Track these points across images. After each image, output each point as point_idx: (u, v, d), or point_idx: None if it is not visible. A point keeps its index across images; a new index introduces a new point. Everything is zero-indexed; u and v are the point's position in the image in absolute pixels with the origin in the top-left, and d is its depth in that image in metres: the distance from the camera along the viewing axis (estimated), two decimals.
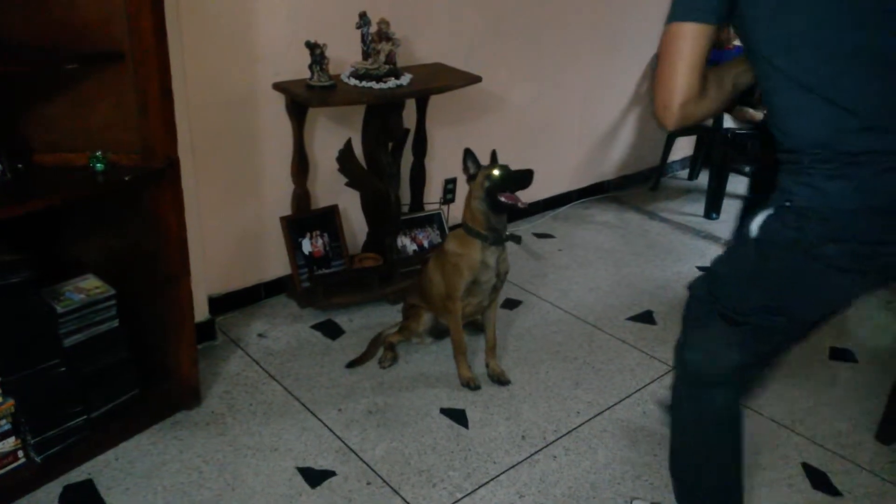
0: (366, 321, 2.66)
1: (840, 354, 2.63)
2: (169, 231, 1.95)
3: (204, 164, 2.39)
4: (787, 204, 1.29)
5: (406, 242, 2.96)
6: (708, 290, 1.50)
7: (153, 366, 2.13)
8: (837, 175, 1.24)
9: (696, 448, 1.62)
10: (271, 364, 2.39)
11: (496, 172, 2.15)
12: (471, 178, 2.21)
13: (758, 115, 3.68)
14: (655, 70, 1.31)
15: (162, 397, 2.12)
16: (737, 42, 3.78)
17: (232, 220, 2.59)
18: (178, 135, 1.90)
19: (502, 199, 2.14)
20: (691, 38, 1.24)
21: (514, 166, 2.24)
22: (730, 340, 1.47)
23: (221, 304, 2.62)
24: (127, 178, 1.83)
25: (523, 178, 2.16)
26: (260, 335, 2.55)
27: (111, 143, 1.87)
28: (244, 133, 2.51)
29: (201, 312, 2.43)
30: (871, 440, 2.19)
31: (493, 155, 2.26)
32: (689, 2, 1.25)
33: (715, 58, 3.93)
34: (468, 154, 2.21)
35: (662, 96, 1.28)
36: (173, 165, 1.89)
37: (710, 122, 3.69)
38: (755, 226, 1.33)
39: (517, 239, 2.27)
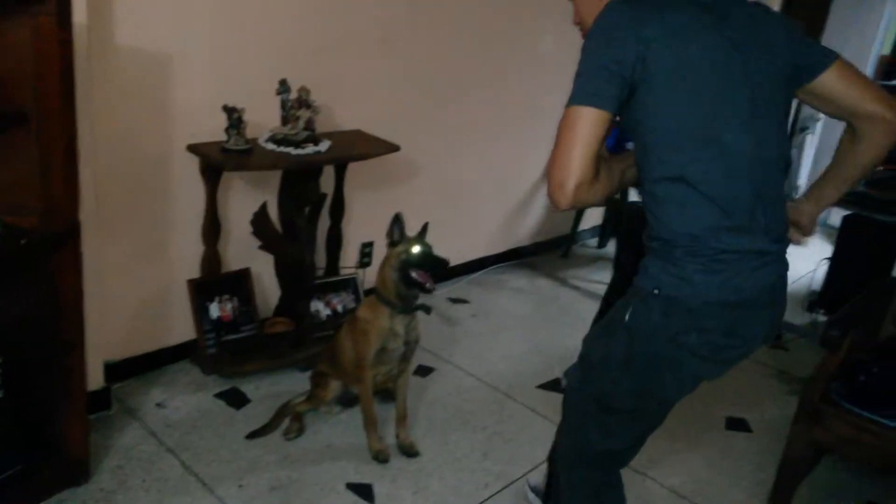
0: (274, 389, 2.59)
1: (736, 424, 2.74)
2: (65, 297, 1.87)
3: (110, 225, 2.32)
4: (656, 291, 1.34)
5: (320, 307, 2.93)
6: (582, 377, 1.52)
7: (41, 438, 2.00)
8: (706, 269, 1.31)
9: None
10: (169, 436, 2.29)
11: (416, 250, 2.16)
12: (392, 244, 2.22)
13: None
14: (552, 150, 1.30)
15: (48, 473, 1.98)
16: None
17: (136, 283, 2.50)
18: (82, 195, 1.84)
19: (413, 275, 2.16)
20: (589, 122, 1.26)
21: (431, 230, 2.26)
22: (605, 427, 1.51)
23: (120, 370, 2.50)
24: (23, 242, 1.75)
25: (438, 264, 2.18)
26: (159, 404, 2.44)
27: (10, 204, 1.79)
28: (155, 194, 2.45)
29: (96, 380, 2.31)
30: None
31: (424, 227, 2.27)
32: (590, 87, 1.27)
33: (620, 135, 4.11)
34: (397, 220, 2.21)
35: (558, 176, 1.26)
36: (74, 229, 1.82)
37: (617, 194, 3.86)
38: (628, 313, 1.38)
39: (427, 309, 2.28)
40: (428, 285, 2.16)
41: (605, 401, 1.47)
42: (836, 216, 4.68)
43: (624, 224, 3.88)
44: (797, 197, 5.22)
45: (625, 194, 3.83)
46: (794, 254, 4.11)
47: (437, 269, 2.18)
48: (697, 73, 1.28)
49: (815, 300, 3.53)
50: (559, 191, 1.26)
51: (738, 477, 2.43)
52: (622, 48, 1.26)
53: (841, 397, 2.11)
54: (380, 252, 3.22)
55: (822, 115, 5.27)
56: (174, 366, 2.66)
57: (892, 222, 3.01)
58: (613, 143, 3.96)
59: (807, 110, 5.42)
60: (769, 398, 2.95)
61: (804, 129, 5.34)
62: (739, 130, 1.31)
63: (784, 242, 1.42)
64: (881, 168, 3.30)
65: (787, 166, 1.43)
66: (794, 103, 5.08)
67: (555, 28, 3.68)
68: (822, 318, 3.42)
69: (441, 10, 3.10)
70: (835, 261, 3.45)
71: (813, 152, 5.33)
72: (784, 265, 1.43)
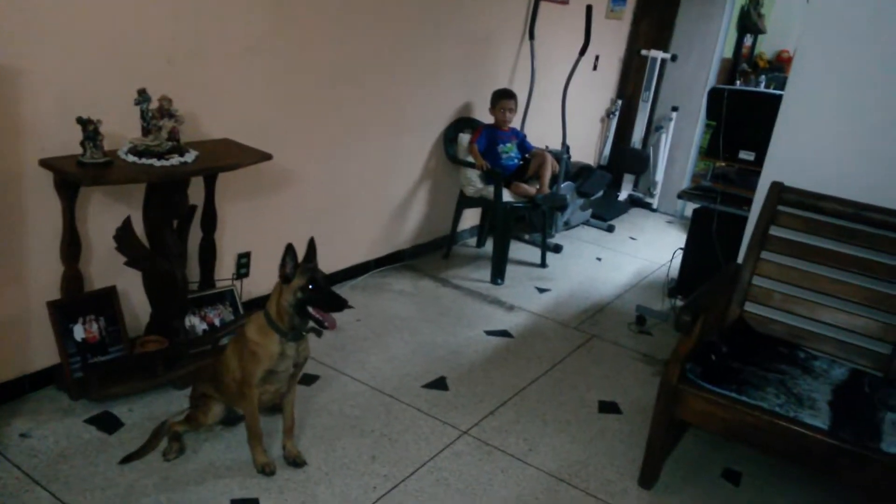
0: (149, 410, 2.49)
1: (607, 407, 2.92)
2: None
3: None
4: None
5: (195, 322, 2.84)
6: None
7: None
8: None
9: None
10: (36, 467, 2.15)
11: (313, 287, 2.09)
12: (286, 280, 2.12)
13: (531, 189, 4.06)
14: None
15: None
16: (512, 125, 4.18)
17: None
18: None
19: (312, 311, 2.11)
20: None
21: (313, 237, 2.23)
22: None
23: None
24: None
25: (337, 303, 2.13)
26: (22, 435, 2.29)
27: None
28: (6, 212, 2.29)
29: None
30: (634, 486, 2.44)
31: (311, 244, 2.20)
32: None
33: (490, 138, 4.29)
34: (289, 252, 2.10)
35: None
36: None
37: (491, 195, 4.00)
38: None
39: (318, 332, 2.24)
40: (327, 324, 2.12)
41: None
42: (689, 209, 5.06)
43: (499, 223, 4.02)
44: (655, 192, 5.51)
45: (498, 193, 3.96)
46: (654, 244, 4.40)
47: (338, 307, 2.13)
48: None
49: (674, 287, 3.81)
50: None
51: (612, 456, 2.59)
52: None
53: (696, 376, 2.31)
54: (258, 262, 3.19)
55: (674, 115, 5.69)
56: (38, 393, 2.49)
57: (736, 213, 3.31)
58: (485, 144, 4.10)
59: (661, 110, 5.83)
60: (637, 381, 3.16)
61: (659, 129, 5.74)
62: None
63: None
64: (723, 164, 3.62)
65: None
66: (649, 103, 5.38)
67: (424, 34, 3.76)
68: (680, 303, 3.69)
69: (307, 17, 3.09)
70: (687, 250, 3.74)
71: (667, 150, 5.74)
72: None
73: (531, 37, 4.51)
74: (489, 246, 4.45)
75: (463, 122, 4.20)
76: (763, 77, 7.16)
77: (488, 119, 4.17)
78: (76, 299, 2.48)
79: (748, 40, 7.14)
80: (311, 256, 2.19)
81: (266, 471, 2.25)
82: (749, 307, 2.78)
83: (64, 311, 2.46)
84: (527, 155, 4.21)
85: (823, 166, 2.75)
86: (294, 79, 3.13)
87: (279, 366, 2.18)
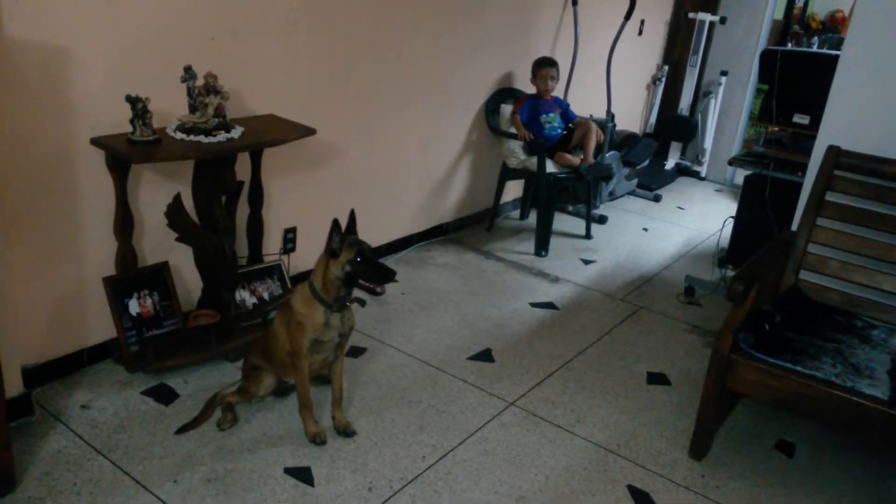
0: (203, 382, 2.55)
1: (656, 379, 2.88)
2: None
3: (14, 227, 2.22)
4: None
5: (245, 296, 2.89)
6: None
7: None
8: None
9: None
10: (97, 437, 2.23)
11: (361, 259, 2.12)
12: (333, 255, 2.15)
13: (575, 159, 4.00)
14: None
15: None
16: (555, 94, 4.11)
17: (49, 284, 2.40)
18: None
19: (362, 281, 2.15)
20: None
21: (353, 209, 2.25)
22: None
23: (40, 374, 2.41)
24: None
25: (385, 274, 2.15)
26: (83, 406, 2.37)
27: None
28: (61, 191, 2.35)
29: (14, 386, 2.22)
30: (685, 457, 2.41)
31: (352, 216, 2.23)
32: None
33: (533, 108, 4.22)
34: (335, 227, 2.13)
35: None
36: None
37: (535, 167, 3.96)
38: None
39: (362, 302, 2.27)
40: (379, 290, 2.16)
41: None
42: (739, 177, 4.93)
43: (543, 194, 3.98)
44: (703, 160, 5.38)
45: (542, 164, 3.91)
46: (702, 214, 4.30)
47: (386, 279, 2.15)
48: None
49: (724, 257, 3.73)
50: None
51: (661, 427, 2.56)
52: None
53: (749, 346, 2.26)
54: (304, 237, 3.22)
55: (723, 80, 5.52)
56: (97, 366, 2.58)
57: (790, 179, 3.20)
58: (528, 115, 4.05)
59: (709, 75, 5.66)
60: (686, 352, 3.11)
61: (707, 95, 5.58)
62: None
63: None
64: (776, 129, 3.51)
65: None
66: (697, 68, 5.20)
67: (465, 3, 3.70)
68: (730, 273, 3.61)
69: None
70: (739, 219, 3.64)
71: (716, 116, 5.57)
72: None
73: (574, 2, 4.40)
74: (533, 218, 4.41)
75: (505, 93, 4.15)
76: (816, 38, 6.87)
77: (530, 89, 4.11)
78: (130, 275, 2.55)
79: (800, 1, 6.85)
80: (352, 228, 2.22)
81: (317, 440, 2.29)
82: (804, 275, 2.70)
83: (119, 287, 2.53)
84: (570, 124, 4.14)
85: (883, 129, 2.64)
86: (335, 53, 3.12)
87: (325, 335, 2.22)
